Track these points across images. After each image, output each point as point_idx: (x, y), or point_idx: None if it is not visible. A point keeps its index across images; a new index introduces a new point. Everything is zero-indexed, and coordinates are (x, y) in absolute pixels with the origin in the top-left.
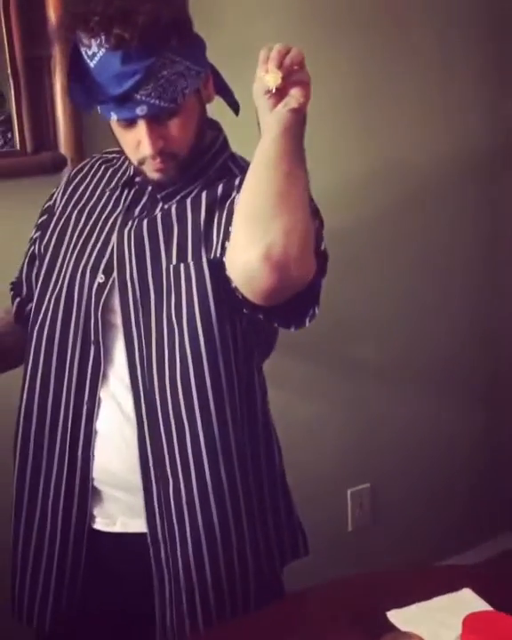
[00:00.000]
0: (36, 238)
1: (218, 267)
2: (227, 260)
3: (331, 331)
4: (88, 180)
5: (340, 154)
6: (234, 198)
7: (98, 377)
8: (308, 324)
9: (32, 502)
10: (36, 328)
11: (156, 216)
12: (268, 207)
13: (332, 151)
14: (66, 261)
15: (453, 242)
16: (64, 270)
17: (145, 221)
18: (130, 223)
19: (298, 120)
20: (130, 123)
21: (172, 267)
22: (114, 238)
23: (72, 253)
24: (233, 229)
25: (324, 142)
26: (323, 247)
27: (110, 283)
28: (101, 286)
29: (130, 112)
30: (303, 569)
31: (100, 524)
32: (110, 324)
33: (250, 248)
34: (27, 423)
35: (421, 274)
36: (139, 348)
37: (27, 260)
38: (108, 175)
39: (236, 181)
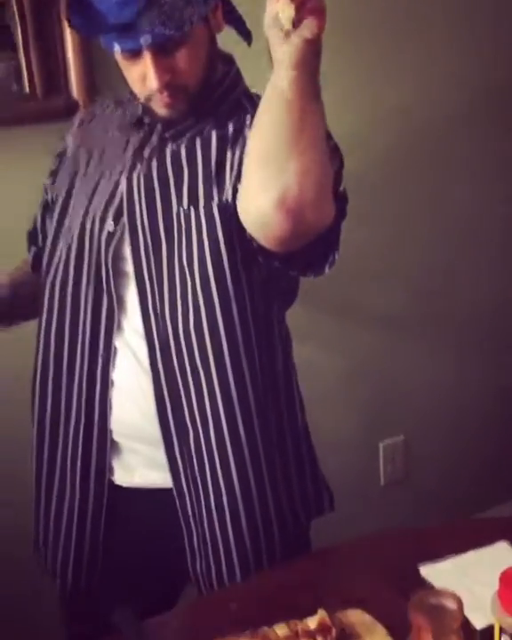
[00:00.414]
0: (47, 186)
1: (230, 211)
2: (238, 205)
3: (358, 281)
4: (98, 123)
5: (343, 100)
6: (247, 136)
7: (112, 327)
8: (327, 270)
9: (52, 456)
10: (50, 278)
11: (165, 157)
12: (282, 147)
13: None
14: (76, 209)
15: (474, 188)
16: (74, 218)
17: (154, 163)
18: (139, 166)
19: (312, 51)
20: (134, 54)
21: (182, 211)
22: (123, 183)
23: (81, 200)
24: (244, 172)
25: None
26: (342, 188)
27: (120, 229)
28: (111, 234)
29: (133, 42)
30: (334, 525)
31: (120, 478)
32: (122, 272)
33: (263, 193)
34: (43, 375)
35: (445, 222)
36: (151, 297)
37: (40, 209)
38: (118, 117)
39: (248, 118)
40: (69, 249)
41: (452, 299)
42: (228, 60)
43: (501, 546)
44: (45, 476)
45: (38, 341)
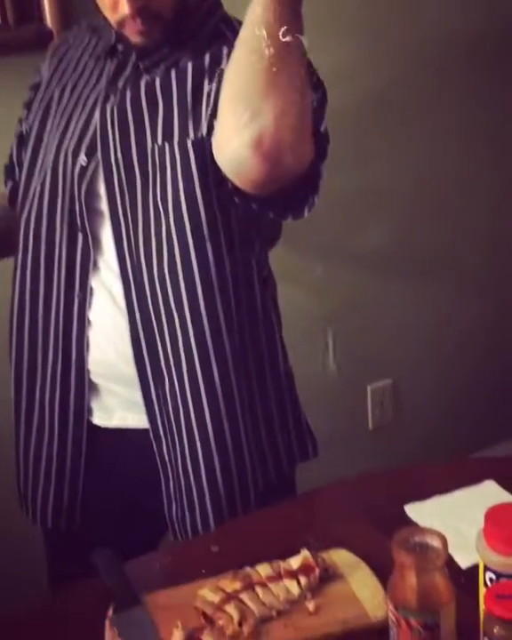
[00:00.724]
0: (21, 119)
1: (205, 148)
2: (213, 145)
3: (344, 222)
4: (72, 50)
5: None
6: (224, 67)
7: (88, 266)
8: (306, 213)
9: (30, 398)
10: (25, 214)
11: (140, 89)
12: (258, 85)
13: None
14: (49, 142)
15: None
16: (47, 152)
17: (127, 96)
18: (112, 98)
19: None
20: None
21: (157, 147)
22: (96, 116)
23: (55, 133)
24: (219, 110)
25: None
26: (323, 128)
27: (94, 165)
28: (84, 169)
29: None
30: (321, 470)
31: (99, 419)
32: (97, 210)
33: (238, 133)
34: (20, 315)
35: (434, 162)
36: (127, 236)
37: (15, 142)
38: (92, 45)
39: (225, 49)
40: (43, 184)
41: (440, 239)
42: None
43: (488, 484)
44: (24, 417)
45: (14, 279)
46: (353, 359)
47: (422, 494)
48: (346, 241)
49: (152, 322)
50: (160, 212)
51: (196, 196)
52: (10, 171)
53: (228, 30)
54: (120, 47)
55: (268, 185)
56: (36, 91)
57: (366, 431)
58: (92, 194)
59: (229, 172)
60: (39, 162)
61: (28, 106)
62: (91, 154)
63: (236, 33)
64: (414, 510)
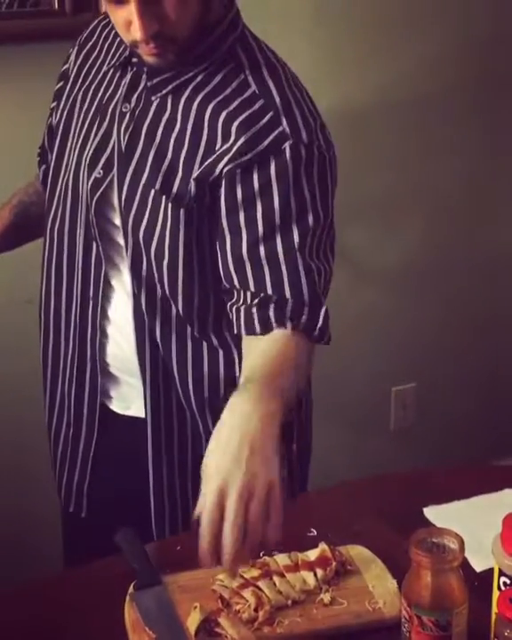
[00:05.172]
0: (53, 108)
1: (194, 214)
2: None
3: (369, 227)
4: (97, 48)
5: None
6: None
7: (100, 273)
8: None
9: (53, 383)
10: (51, 215)
11: (148, 114)
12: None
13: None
14: (73, 148)
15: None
16: (71, 158)
17: (142, 122)
18: (127, 118)
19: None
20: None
21: (154, 192)
22: (114, 134)
23: (77, 140)
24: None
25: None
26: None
27: (109, 179)
28: (98, 181)
29: None
30: (340, 468)
31: (117, 407)
32: (112, 219)
33: None
34: (46, 306)
35: (460, 167)
36: (134, 247)
37: (46, 130)
38: (115, 45)
39: (236, 81)
40: (66, 188)
41: (470, 242)
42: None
43: (508, 493)
44: (48, 401)
45: (42, 270)
46: (378, 361)
47: (441, 498)
48: (373, 243)
49: (156, 327)
50: (163, 242)
51: (178, 255)
52: (43, 155)
53: (243, 52)
54: (135, 59)
55: None
56: (65, 81)
57: (387, 432)
58: (107, 204)
59: None
60: (63, 165)
61: (58, 96)
62: (107, 169)
63: (250, 53)
64: (433, 513)
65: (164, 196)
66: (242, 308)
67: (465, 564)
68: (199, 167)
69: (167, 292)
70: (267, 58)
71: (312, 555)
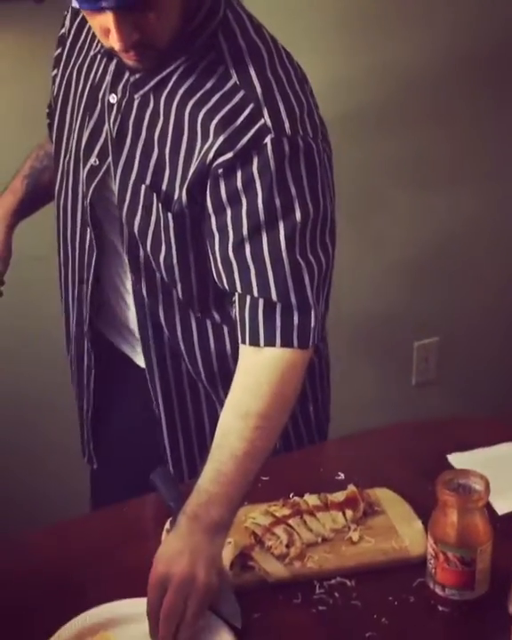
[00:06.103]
0: (54, 76)
1: (186, 216)
2: None
3: (391, 184)
4: (85, 26)
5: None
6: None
7: (92, 259)
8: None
9: (68, 340)
10: (57, 187)
11: (133, 109)
12: None
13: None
14: (72, 130)
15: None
16: (71, 140)
17: (130, 118)
18: (114, 111)
19: None
20: (96, 9)
21: (145, 187)
22: (105, 122)
23: (74, 123)
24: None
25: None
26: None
27: (105, 167)
28: (94, 169)
29: (92, 2)
30: (362, 422)
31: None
32: (109, 206)
33: None
34: (60, 274)
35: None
36: (129, 234)
37: (52, 96)
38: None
39: (217, 72)
40: (67, 169)
41: (492, 207)
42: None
43: None
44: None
45: (58, 240)
46: (401, 315)
47: (464, 446)
48: (399, 201)
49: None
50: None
51: (172, 246)
52: (51, 115)
53: (224, 40)
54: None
55: None
56: (63, 47)
57: (409, 386)
58: (107, 189)
59: None
60: (63, 145)
61: (57, 63)
62: (102, 157)
63: (232, 39)
64: (457, 459)
65: (154, 194)
66: (237, 314)
67: (488, 507)
68: (183, 170)
69: (165, 279)
70: (250, 41)
71: (341, 496)
